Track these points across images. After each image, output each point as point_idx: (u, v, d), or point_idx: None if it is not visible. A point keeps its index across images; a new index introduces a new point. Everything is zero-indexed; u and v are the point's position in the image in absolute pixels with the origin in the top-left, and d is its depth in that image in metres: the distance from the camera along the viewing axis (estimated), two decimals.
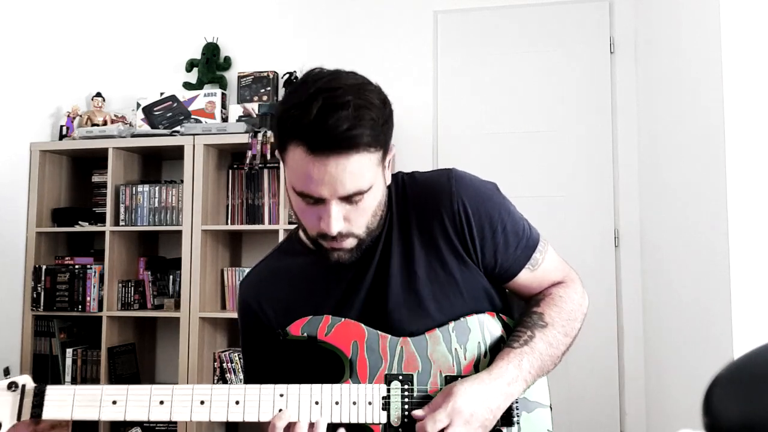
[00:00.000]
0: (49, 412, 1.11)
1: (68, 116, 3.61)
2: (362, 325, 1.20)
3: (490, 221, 1.23)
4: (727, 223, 2.03)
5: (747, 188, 2.01)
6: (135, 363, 3.52)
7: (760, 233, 1.99)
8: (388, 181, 1.21)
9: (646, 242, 3.18)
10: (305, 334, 1.20)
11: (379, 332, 1.20)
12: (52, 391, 1.12)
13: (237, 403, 1.13)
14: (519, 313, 1.34)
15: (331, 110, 1.05)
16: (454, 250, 1.22)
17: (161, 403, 1.12)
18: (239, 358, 3.29)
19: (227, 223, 3.42)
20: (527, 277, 1.28)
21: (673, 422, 2.68)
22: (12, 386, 1.10)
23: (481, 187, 1.25)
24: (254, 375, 1.34)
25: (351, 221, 1.13)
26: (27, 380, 1.12)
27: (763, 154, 1.99)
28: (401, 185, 1.27)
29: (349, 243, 1.16)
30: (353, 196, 1.10)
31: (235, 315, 3.29)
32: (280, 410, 1.13)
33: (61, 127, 3.60)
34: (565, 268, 1.34)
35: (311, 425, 1.13)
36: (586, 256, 3.25)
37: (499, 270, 1.26)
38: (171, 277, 3.58)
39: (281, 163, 1.16)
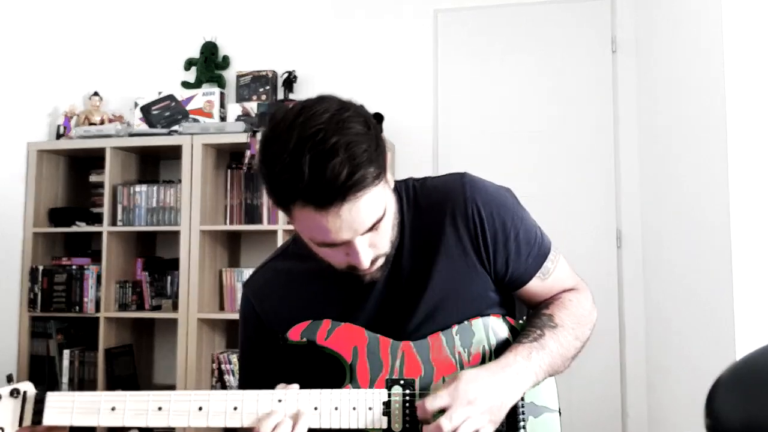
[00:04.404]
0: (50, 419, 1.12)
1: (65, 116, 3.60)
2: (363, 329, 1.19)
3: (504, 228, 1.21)
4: (729, 223, 2.02)
5: (749, 187, 2.00)
6: (132, 364, 3.50)
7: (762, 233, 1.98)
8: (392, 184, 1.18)
9: (648, 243, 3.16)
10: (305, 339, 1.19)
11: (380, 336, 1.19)
12: (52, 398, 1.13)
13: (235, 409, 1.13)
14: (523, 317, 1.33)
15: (323, 162, 0.99)
16: (466, 256, 1.21)
17: (159, 409, 1.13)
18: (237, 360, 3.28)
19: (225, 224, 3.41)
20: (537, 286, 1.27)
21: (675, 424, 2.68)
22: (14, 393, 1.12)
23: (495, 193, 1.24)
24: (251, 376, 1.32)
25: (377, 245, 1.11)
26: (29, 387, 1.14)
27: (765, 153, 1.98)
28: (412, 191, 1.25)
29: (379, 263, 1.14)
30: (375, 225, 1.08)
31: (233, 316, 3.30)
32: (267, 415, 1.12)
33: (59, 126, 3.59)
34: (576, 279, 1.33)
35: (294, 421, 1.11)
36: (588, 256, 3.23)
37: (510, 277, 1.24)
38: (169, 277, 3.57)
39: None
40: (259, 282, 1.31)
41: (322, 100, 1.06)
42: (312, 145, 0.99)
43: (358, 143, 1.01)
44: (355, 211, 1.03)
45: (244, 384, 1.32)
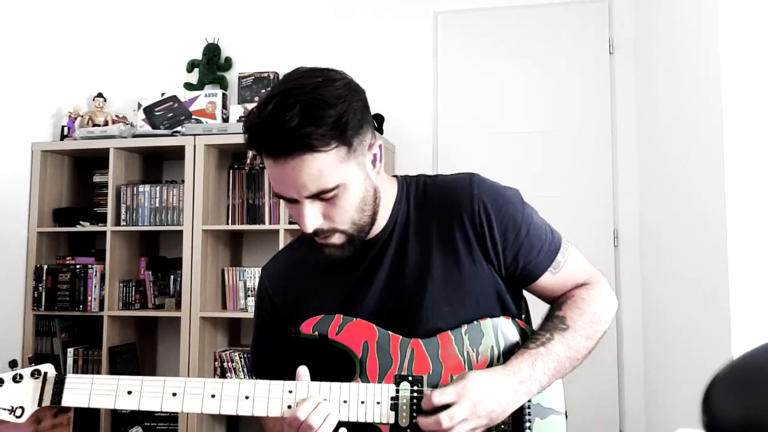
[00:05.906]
0: (68, 399, 1.15)
1: (69, 116, 3.61)
2: (374, 325, 1.21)
3: (514, 224, 1.23)
4: (725, 223, 2.03)
5: (746, 188, 2.01)
6: (136, 363, 3.52)
7: (758, 232, 1.99)
8: (376, 176, 1.19)
9: (645, 242, 3.18)
10: (316, 333, 1.21)
11: (390, 333, 1.20)
12: (71, 380, 1.16)
13: (247, 398, 1.15)
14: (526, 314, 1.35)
15: (279, 113, 1.06)
16: (472, 254, 1.22)
17: (174, 395, 1.15)
18: (240, 358, 3.30)
19: (228, 223, 3.43)
20: (549, 280, 1.28)
21: (673, 422, 2.69)
22: (35, 374, 1.16)
23: (503, 192, 1.26)
24: (262, 361, 1.38)
25: (331, 217, 1.14)
26: (49, 369, 1.18)
27: (761, 154, 2.00)
28: (422, 187, 1.28)
29: (337, 239, 1.17)
30: (321, 194, 1.10)
31: (235, 314, 3.33)
32: (289, 407, 1.14)
33: (63, 127, 3.60)
34: (590, 269, 1.34)
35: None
36: (585, 256, 3.24)
37: (521, 273, 1.26)
38: (172, 276, 3.59)
39: None
40: (274, 268, 1.37)
41: (328, 70, 1.14)
42: (279, 99, 1.07)
43: (319, 108, 1.07)
44: (297, 171, 1.08)
45: (255, 368, 1.37)
